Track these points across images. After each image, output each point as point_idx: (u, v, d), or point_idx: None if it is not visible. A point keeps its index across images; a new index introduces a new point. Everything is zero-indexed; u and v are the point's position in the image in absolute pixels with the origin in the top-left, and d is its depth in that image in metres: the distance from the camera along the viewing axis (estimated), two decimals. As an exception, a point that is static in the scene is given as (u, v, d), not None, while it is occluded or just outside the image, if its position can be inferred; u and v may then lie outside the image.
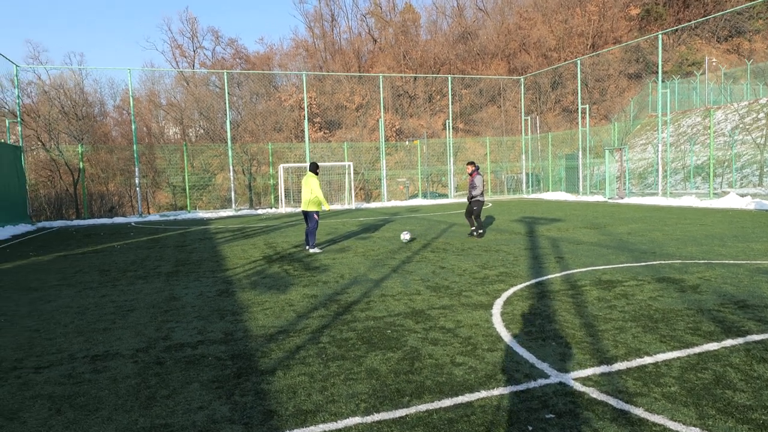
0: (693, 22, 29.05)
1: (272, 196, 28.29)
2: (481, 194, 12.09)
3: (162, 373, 4.17)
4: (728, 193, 20.69)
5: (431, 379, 3.86)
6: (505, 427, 3.13)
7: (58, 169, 28.74)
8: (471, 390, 3.65)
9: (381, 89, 30.07)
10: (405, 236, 11.50)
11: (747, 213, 15.41)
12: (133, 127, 24.72)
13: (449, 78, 32.11)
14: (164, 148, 31.01)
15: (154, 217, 24.15)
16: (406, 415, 3.32)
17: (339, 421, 3.27)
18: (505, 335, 4.81)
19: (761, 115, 31.40)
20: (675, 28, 28.50)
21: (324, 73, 48.28)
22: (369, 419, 3.28)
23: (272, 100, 47.47)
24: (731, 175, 28.38)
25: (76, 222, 22.80)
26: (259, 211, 25.11)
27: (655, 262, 8.07)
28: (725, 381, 3.65)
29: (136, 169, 24.09)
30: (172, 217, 23.29)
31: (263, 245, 12.02)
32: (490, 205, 24.30)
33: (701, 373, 3.82)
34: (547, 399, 3.48)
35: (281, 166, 25.27)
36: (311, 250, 10.62)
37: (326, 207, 10.83)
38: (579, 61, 28.04)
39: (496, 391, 3.62)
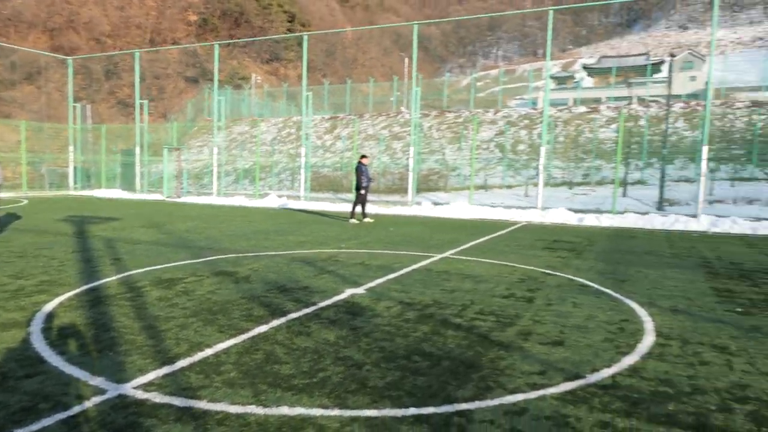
0: (243, 40, 32.51)
1: None
2: None
3: None
4: (269, 194, 24.08)
5: None
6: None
7: None
8: (-1, 433, 2.87)
9: None
10: None
11: (281, 211, 18.32)
12: None
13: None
14: None
15: None
16: None
17: None
18: (49, 355, 4.05)
19: (293, 130, 38.13)
20: (230, 41, 31.16)
21: None
22: None
23: None
24: (272, 179, 33.22)
25: None
26: None
27: (213, 258, 8.52)
28: (273, 357, 4.15)
29: None
30: None
31: None
32: (26, 202, 20.43)
33: (254, 354, 4.21)
34: (104, 417, 3.10)
35: None
36: None
37: None
38: (137, 54, 26.91)
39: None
